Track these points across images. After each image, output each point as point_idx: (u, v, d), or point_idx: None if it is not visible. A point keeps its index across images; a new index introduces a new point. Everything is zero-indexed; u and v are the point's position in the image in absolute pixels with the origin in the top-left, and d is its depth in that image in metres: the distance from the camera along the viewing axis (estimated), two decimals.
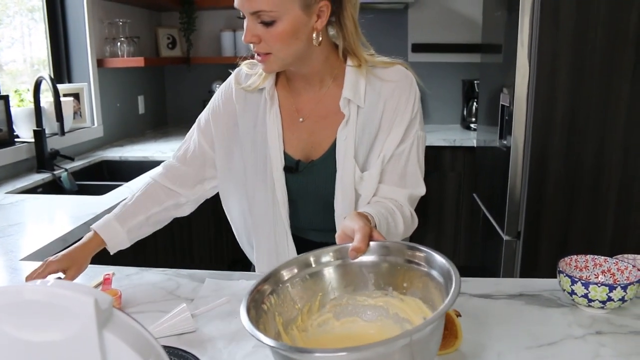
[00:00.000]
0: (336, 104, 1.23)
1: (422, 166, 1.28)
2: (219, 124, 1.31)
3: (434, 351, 0.76)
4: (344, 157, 1.21)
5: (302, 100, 1.27)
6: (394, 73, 1.24)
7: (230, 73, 1.34)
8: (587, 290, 1.05)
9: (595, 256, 1.18)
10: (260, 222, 1.29)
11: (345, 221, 0.99)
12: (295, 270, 0.92)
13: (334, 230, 1.21)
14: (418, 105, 1.26)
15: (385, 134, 1.23)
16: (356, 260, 0.92)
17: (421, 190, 1.27)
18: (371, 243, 0.93)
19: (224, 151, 1.31)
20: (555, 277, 1.13)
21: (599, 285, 1.04)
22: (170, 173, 1.34)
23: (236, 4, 1.10)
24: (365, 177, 1.22)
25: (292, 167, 1.25)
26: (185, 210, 1.38)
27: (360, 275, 0.93)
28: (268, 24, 1.08)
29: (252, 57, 1.30)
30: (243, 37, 1.11)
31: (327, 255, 0.94)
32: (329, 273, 0.94)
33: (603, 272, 1.17)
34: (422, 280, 0.86)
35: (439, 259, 0.84)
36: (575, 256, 1.19)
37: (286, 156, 1.25)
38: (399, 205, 1.20)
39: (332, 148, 1.23)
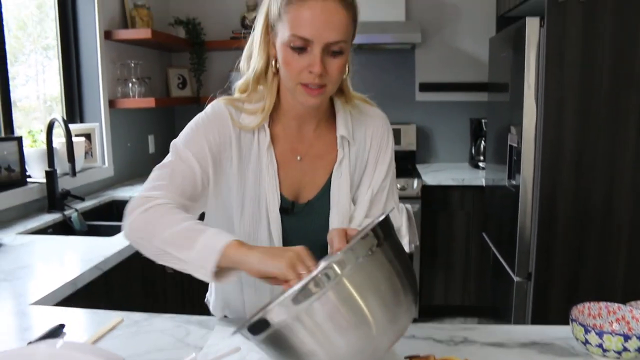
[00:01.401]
0: (329, 142, 1.27)
1: (397, 199, 1.36)
2: (212, 147, 1.20)
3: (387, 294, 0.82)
4: (339, 195, 1.25)
5: (296, 140, 1.27)
6: (373, 111, 1.32)
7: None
8: (602, 339, 1.03)
9: (609, 303, 1.17)
10: None
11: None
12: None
13: None
14: (393, 142, 1.35)
15: (372, 169, 1.29)
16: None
17: (398, 221, 1.32)
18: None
19: (215, 182, 1.23)
20: (568, 321, 1.12)
21: (614, 334, 1.02)
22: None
23: (311, 33, 1.08)
24: (357, 212, 1.26)
25: (287, 208, 1.24)
26: None
27: None
28: (337, 54, 1.11)
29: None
30: (314, 69, 1.09)
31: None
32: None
33: (617, 319, 1.15)
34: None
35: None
36: (588, 303, 1.17)
37: (281, 197, 1.24)
38: None
39: (326, 187, 1.25)
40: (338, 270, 0.77)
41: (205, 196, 1.24)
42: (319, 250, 1.21)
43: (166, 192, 1.16)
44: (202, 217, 1.32)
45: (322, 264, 1.09)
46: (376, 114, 1.32)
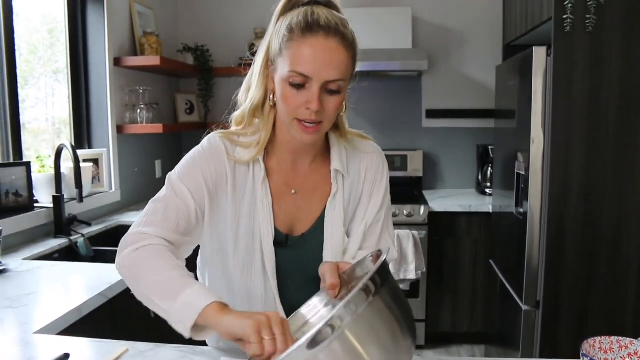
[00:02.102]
0: (323, 176, 1.27)
1: (392, 232, 1.36)
2: (208, 182, 1.21)
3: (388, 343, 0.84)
4: (332, 229, 1.24)
5: (291, 173, 1.27)
6: (369, 146, 1.33)
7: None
8: None
9: (620, 338, 1.15)
10: (249, 298, 1.23)
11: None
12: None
13: None
14: (389, 175, 1.35)
15: (366, 202, 1.29)
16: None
17: (394, 254, 1.28)
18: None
19: (210, 215, 1.22)
20: (577, 351, 1.10)
21: None
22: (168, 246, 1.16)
23: (311, 70, 1.08)
24: (351, 244, 1.26)
25: (282, 241, 1.24)
26: None
27: None
28: (335, 92, 1.11)
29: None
30: (312, 105, 1.09)
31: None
32: None
33: (630, 354, 1.13)
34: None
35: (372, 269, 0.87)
36: (599, 338, 1.15)
37: (275, 230, 1.24)
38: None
39: (320, 220, 1.26)
40: (339, 323, 0.80)
41: (200, 230, 1.24)
42: (313, 283, 1.21)
43: (159, 228, 1.16)
44: (197, 250, 1.32)
45: (315, 298, 1.12)
46: (371, 148, 1.32)
